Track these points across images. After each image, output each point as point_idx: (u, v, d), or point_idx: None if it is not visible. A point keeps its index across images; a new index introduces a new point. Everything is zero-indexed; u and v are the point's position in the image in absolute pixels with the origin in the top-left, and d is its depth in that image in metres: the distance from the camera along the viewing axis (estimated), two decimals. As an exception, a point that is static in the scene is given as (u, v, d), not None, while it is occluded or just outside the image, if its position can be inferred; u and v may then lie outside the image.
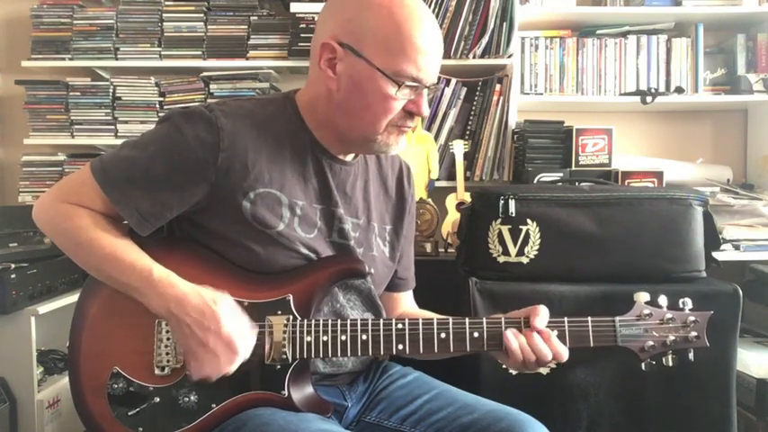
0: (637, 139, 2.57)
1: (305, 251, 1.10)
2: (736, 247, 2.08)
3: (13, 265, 1.83)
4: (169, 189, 1.06)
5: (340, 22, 1.05)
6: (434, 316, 1.22)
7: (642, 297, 1.10)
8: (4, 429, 1.83)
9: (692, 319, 1.08)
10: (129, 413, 1.05)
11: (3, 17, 2.64)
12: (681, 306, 1.09)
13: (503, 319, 1.07)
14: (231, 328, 1.00)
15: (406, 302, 1.33)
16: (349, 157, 1.17)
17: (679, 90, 2.36)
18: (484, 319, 1.07)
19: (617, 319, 1.08)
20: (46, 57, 2.45)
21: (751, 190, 2.33)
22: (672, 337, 1.08)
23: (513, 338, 1.05)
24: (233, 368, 1.01)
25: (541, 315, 1.07)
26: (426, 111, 1.09)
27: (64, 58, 2.44)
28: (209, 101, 2.41)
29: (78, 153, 2.52)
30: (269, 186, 1.08)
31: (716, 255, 1.61)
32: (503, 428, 1.04)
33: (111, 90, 2.45)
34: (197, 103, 1.14)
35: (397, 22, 1.02)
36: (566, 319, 1.08)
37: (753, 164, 2.53)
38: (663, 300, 1.10)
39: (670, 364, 1.08)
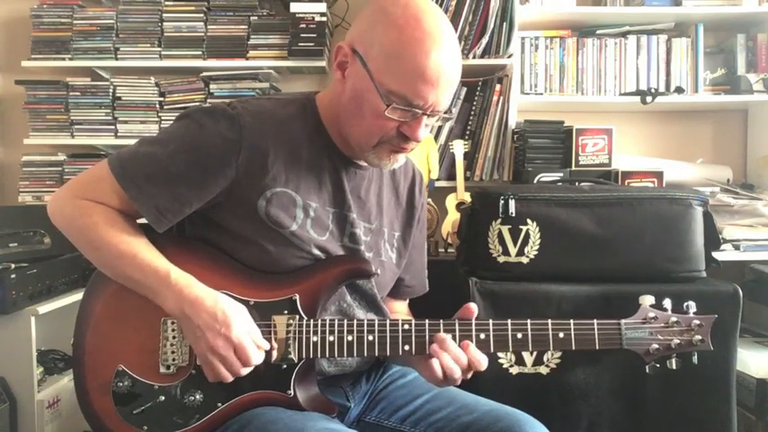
0: (637, 139, 2.57)
1: (317, 252, 1.10)
2: (736, 247, 2.07)
3: (13, 265, 1.83)
4: (188, 185, 1.06)
5: (359, 30, 1.06)
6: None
7: (647, 300, 1.10)
8: (4, 429, 1.83)
9: (696, 322, 1.08)
10: (134, 411, 1.05)
11: (3, 17, 2.64)
12: (685, 309, 1.09)
13: (440, 322, 1.07)
14: (241, 335, 1.00)
15: (399, 308, 1.33)
16: (364, 161, 1.17)
17: (679, 90, 2.36)
18: (490, 321, 1.07)
19: (622, 322, 1.09)
20: (46, 57, 2.45)
21: (751, 190, 2.33)
22: (677, 341, 1.08)
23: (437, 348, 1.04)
24: (244, 371, 1.01)
25: (471, 306, 1.08)
26: (420, 137, 1.05)
27: (64, 58, 2.45)
28: (209, 101, 2.42)
29: (78, 153, 2.52)
30: (285, 186, 1.08)
31: (716, 255, 1.61)
32: (502, 428, 1.04)
33: (111, 90, 2.45)
34: (218, 102, 1.13)
35: (404, 44, 1.00)
36: (572, 321, 1.08)
37: (753, 164, 2.53)
38: (668, 303, 1.10)
39: (674, 366, 1.09)
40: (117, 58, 2.45)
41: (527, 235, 1.54)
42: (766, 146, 2.45)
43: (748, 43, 2.41)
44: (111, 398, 1.06)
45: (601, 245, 1.53)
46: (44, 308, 1.90)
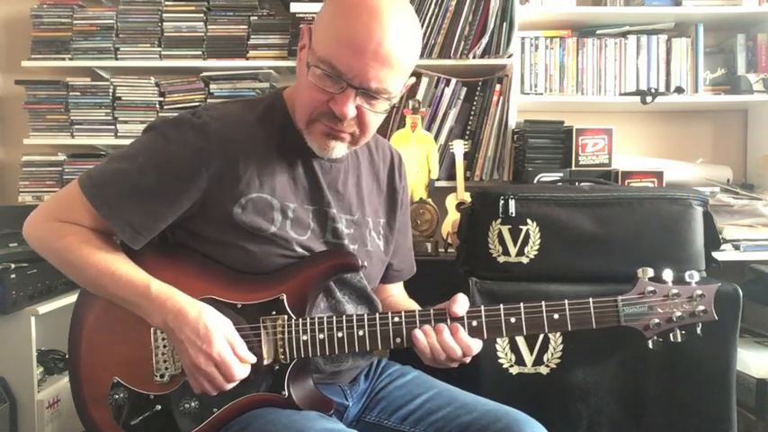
0: (637, 139, 2.57)
1: (300, 250, 1.09)
2: (736, 247, 2.07)
3: (13, 265, 1.83)
4: (161, 200, 1.05)
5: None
6: (417, 307, 1.22)
7: (646, 273, 1.07)
8: (4, 429, 1.83)
9: (698, 292, 1.05)
10: (132, 422, 1.05)
11: (3, 17, 2.64)
12: (687, 279, 1.06)
13: (431, 311, 1.07)
14: (222, 351, 0.99)
15: (394, 290, 1.33)
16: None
17: (679, 90, 2.36)
18: (482, 308, 1.06)
19: (619, 298, 1.07)
20: (46, 57, 2.45)
21: (751, 190, 2.33)
22: (678, 313, 1.05)
23: (422, 337, 1.04)
24: (229, 386, 1.01)
25: (459, 302, 1.06)
26: (344, 113, 1.00)
27: (64, 58, 2.44)
28: (209, 101, 2.41)
29: (78, 153, 2.52)
30: (260, 191, 1.07)
31: (716, 255, 1.61)
32: (501, 428, 1.04)
33: (111, 90, 2.45)
34: (183, 111, 1.12)
35: (339, 13, 0.99)
36: (566, 301, 1.06)
37: (753, 164, 2.52)
38: (668, 274, 1.07)
39: (679, 339, 1.06)
40: (117, 58, 2.45)
41: (527, 235, 1.54)
42: (766, 146, 2.45)
43: (748, 43, 2.41)
44: (108, 410, 1.06)
45: (601, 245, 1.53)
46: (44, 308, 1.90)
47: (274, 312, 1.06)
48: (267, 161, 1.08)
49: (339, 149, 1.07)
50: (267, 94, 1.17)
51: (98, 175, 1.07)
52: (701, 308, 1.05)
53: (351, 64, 0.97)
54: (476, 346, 1.05)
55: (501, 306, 1.06)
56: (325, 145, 1.06)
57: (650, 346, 1.06)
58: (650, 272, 1.08)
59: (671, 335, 1.06)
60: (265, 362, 1.04)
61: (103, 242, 1.07)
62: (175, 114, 1.10)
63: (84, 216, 1.06)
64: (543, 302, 1.06)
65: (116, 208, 1.05)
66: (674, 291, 1.06)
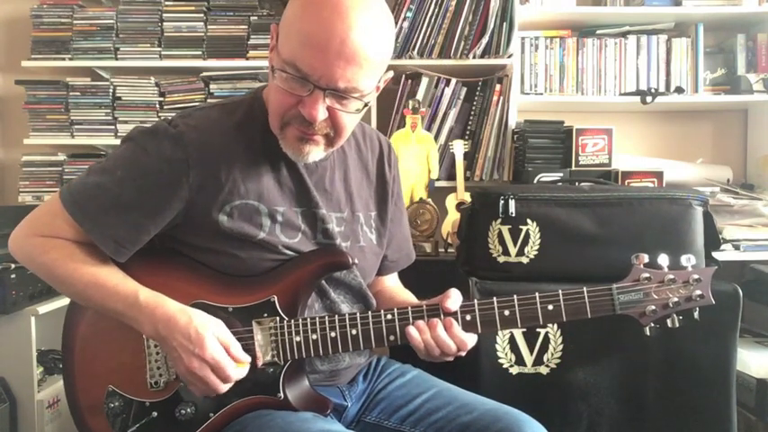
0: (637, 139, 2.57)
1: (290, 253, 1.08)
2: (736, 247, 2.07)
3: (13, 266, 1.82)
4: (143, 213, 1.04)
5: None
6: (413, 301, 1.20)
7: (641, 259, 1.05)
8: (4, 429, 1.83)
9: (695, 277, 1.03)
10: (129, 430, 1.05)
11: (3, 17, 2.64)
12: (683, 264, 1.05)
13: (424, 307, 1.06)
14: (215, 353, 0.98)
15: (389, 281, 1.32)
16: None
17: (679, 90, 2.36)
18: (475, 302, 1.06)
19: (614, 286, 1.05)
20: (46, 57, 2.45)
21: (751, 190, 2.33)
22: (674, 299, 1.03)
23: (416, 333, 1.03)
24: (225, 388, 1.00)
25: (452, 297, 1.05)
26: (313, 116, 0.97)
27: (64, 58, 2.45)
28: (209, 101, 2.41)
29: (78, 153, 2.52)
30: (245, 198, 1.05)
31: (716, 255, 1.61)
32: (501, 428, 1.03)
33: (111, 90, 2.45)
34: (161, 119, 1.10)
35: (300, 12, 0.96)
36: (560, 291, 1.05)
37: (753, 164, 2.52)
38: (664, 259, 1.05)
39: (677, 324, 1.04)
40: (117, 58, 2.45)
41: (527, 235, 1.54)
42: (766, 146, 2.45)
43: (748, 43, 2.42)
44: (104, 418, 1.06)
45: (601, 245, 1.53)
46: (44, 308, 1.90)
47: (266, 314, 1.05)
48: (251, 166, 1.06)
49: (314, 154, 1.04)
50: (245, 96, 1.14)
51: (78, 190, 1.05)
52: (698, 292, 1.03)
53: (314, 64, 0.94)
54: (470, 340, 1.05)
55: (494, 299, 1.05)
56: (299, 150, 1.03)
57: (647, 333, 1.05)
58: (645, 258, 1.06)
59: (668, 321, 1.04)
60: (259, 364, 1.04)
61: (88, 254, 1.05)
62: (152, 124, 1.08)
63: (66, 230, 1.05)
64: (537, 293, 1.05)
65: (99, 222, 1.03)
66: (670, 276, 1.04)
